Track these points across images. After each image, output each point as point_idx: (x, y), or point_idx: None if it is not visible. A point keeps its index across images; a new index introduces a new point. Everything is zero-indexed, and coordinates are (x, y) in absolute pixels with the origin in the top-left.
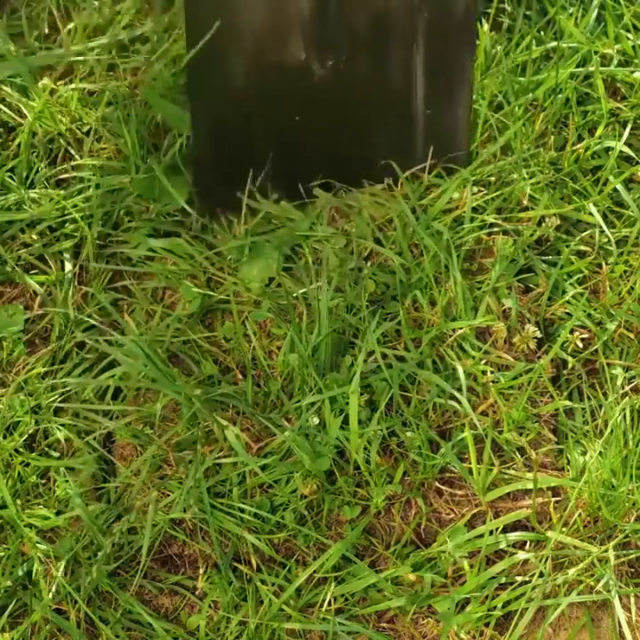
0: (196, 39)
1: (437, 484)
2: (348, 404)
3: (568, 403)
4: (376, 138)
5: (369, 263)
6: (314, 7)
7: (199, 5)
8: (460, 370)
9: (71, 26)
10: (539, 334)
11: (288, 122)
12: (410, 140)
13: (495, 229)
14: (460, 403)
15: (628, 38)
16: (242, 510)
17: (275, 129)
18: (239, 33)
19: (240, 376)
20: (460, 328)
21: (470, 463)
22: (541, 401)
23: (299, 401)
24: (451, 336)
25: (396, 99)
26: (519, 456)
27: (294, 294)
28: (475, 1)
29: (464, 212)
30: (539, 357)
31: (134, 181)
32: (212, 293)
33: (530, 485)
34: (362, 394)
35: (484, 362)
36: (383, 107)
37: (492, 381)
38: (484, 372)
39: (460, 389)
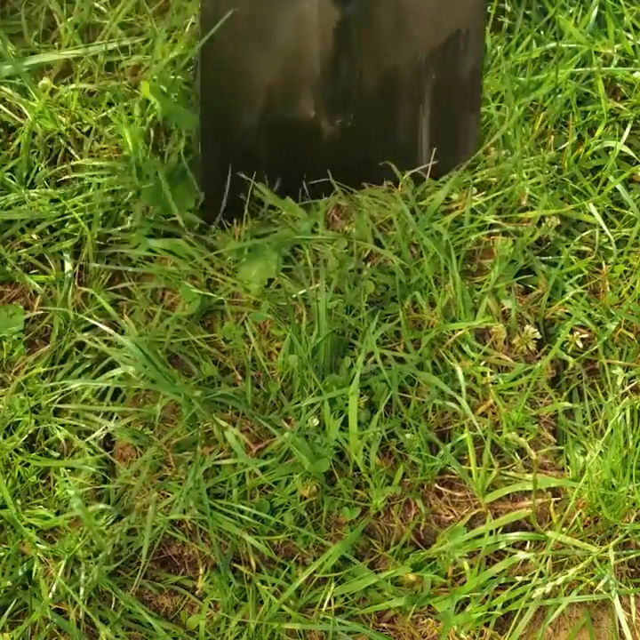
0: (211, 93)
1: (437, 485)
2: (347, 405)
3: (567, 404)
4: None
5: (368, 264)
6: (326, 67)
7: (214, 61)
8: (460, 371)
9: (70, 26)
10: (538, 335)
11: (296, 168)
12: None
13: (495, 230)
14: (459, 404)
15: (628, 38)
16: (241, 511)
17: (282, 171)
18: (252, 89)
19: (240, 377)
20: (460, 329)
21: (470, 465)
22: (541, 402)
23: (298, 402)
24: (450, 337)
25: (401, 153)
26: (518, 457)
27: (294, 295)
28: (481, 64)
29: (464, 213)
30: (538, 359)
31: (143, 191)
32: (211, 294)
33: (529, 487)
34: (361, 395)
35: (483, 363)
36: (389, 158)
37: (492, 383)
38: (483, 374)
39: (459, 391)
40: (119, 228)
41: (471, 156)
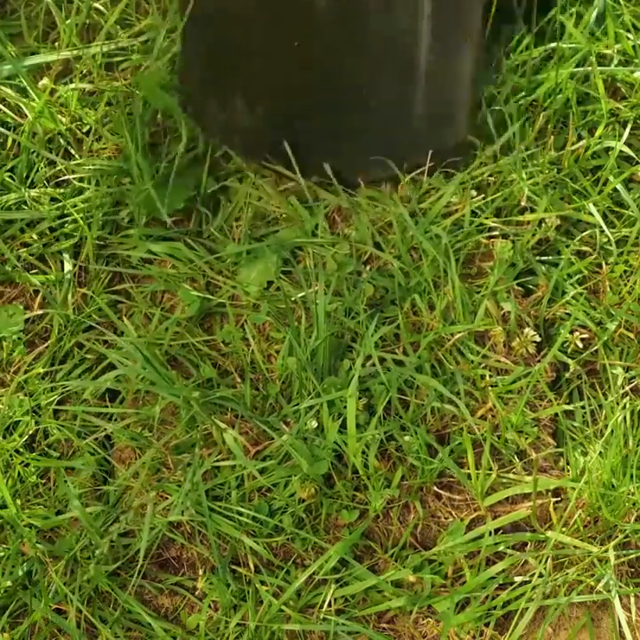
0: None
1: (436, 488)
2: (346, 407)
3: (567, 407)
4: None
5: (368, 267)
6: None
7: None
8: (459, 374)
9: (69, 26)
10: (537, 338)
11: (287, 54)
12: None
13: (494, 233)
14: (458, 407)
15: (628, 38)
16: (240, 513)
17: (272, 55)
18: None
19: (239, 379)
20: (459, 332)
21: (469, 468)
22: (540, 405)
23: (297, 404)
24: (449, 340)
25: (399, 47)
26: (518, 460)
27: (293, 298)
28: None
29: (463, 216)
30: (538, 361)
31: (131, 194)
32: (210, 297)
33: (529, 489)
34: (360, 398)
35: (482, 366)
36: (385, 55)
37: (491, 385)
38: (482, 376)
39: (458, 394)
40: (119, 235)
41: (474, 51)
